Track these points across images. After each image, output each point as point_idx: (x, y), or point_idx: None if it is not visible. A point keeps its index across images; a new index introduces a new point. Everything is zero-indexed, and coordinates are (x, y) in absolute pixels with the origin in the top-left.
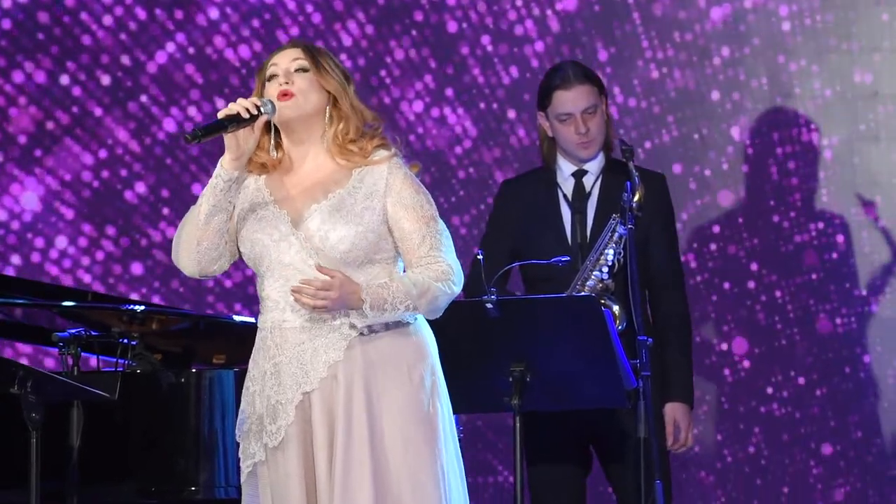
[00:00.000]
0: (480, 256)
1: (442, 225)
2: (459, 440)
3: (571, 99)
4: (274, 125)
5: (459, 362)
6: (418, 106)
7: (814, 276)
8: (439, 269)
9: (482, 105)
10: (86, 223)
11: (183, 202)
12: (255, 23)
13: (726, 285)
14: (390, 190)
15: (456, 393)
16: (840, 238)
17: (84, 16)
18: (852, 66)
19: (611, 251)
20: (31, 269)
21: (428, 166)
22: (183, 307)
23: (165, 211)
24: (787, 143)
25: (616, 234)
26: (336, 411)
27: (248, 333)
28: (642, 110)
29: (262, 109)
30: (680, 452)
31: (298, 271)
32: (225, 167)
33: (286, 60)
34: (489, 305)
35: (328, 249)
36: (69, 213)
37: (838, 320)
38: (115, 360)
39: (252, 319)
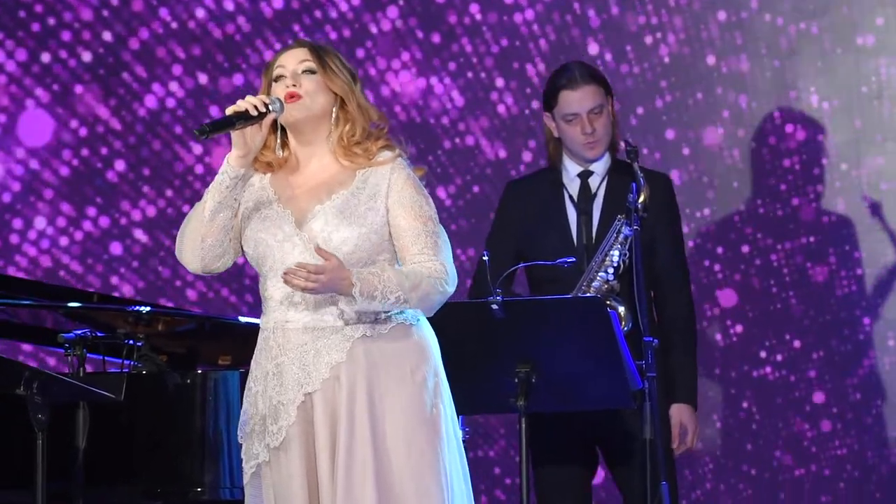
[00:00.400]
0: (486, 257)
1: (441, 229)
2: (465, 441)
3: (578, 99)
4: (280, 125)
5: (465, 363)
6: (405, 76)
7: (812, 239)
8: (432, 266)
9: (469, 74)
10: (65, 203)
11: (164, 180)
12: None
13: (720, 250)
14: (391, 189)
15: (461, 394)
16: (839, 201)
17: None
18: (854, 27)
19: (616, 252)
20: (10, 250)
21: (413, 137)
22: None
23: (146, 189)
24: (786, 107)
25: (621, 235)
26: (338, 412)
27: (253, 334)
28: (635, 76)
29: (270, 107)
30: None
31: None
32: (231, 164)
33: (293, 62)
34: (495, 306)
35: (331, 250)
36: (48, 193)
37: (837, 282)
38: (120, 361)
39: (258, 321)
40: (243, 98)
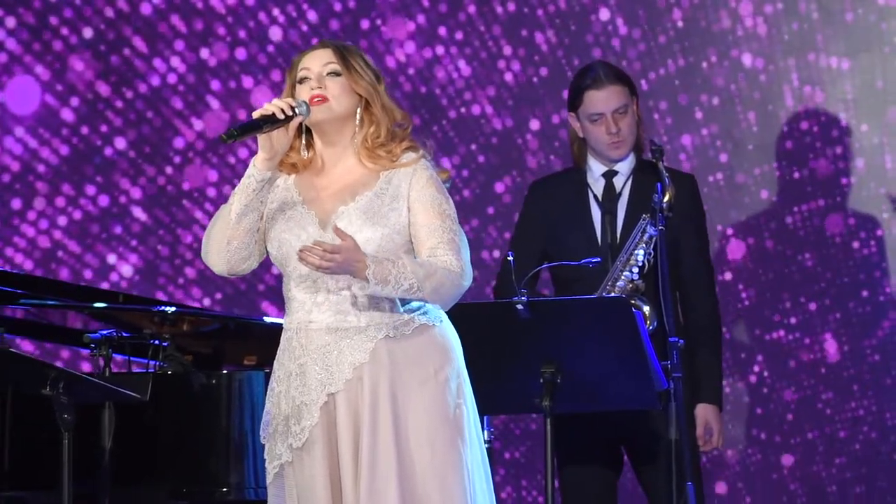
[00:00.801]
0: (510, 257)
1: (459, 229)
2: (490, 443)
3: (603, 99)
4: (305, 126)
5: (489, 364)
6: (410, 47)
7: (829, 201)
8: (447, 259)
9: (476, 43)
10: (64, 182)
11: (165, 158)
12: None
13: (732, 213)
14: (413, 189)
15: (486, 394)
16: (860, 161)
17: None
18: None
19: (641, 252)
20: (9, 230)
21: (418, 107)
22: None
23: (146, 167)
24: (804, 69)
25: (646, 235)
26: (361, 413)
27: (279, 334)
28: (647, 40)
29: (296, 111)
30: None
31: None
32: (258, 167)
33: (318, 64)
34: (520, 307)
35: None
36: (47, 172)
37: (855, 244)
38: (146, 361)
39: (282, 321)
40: (268, 100)
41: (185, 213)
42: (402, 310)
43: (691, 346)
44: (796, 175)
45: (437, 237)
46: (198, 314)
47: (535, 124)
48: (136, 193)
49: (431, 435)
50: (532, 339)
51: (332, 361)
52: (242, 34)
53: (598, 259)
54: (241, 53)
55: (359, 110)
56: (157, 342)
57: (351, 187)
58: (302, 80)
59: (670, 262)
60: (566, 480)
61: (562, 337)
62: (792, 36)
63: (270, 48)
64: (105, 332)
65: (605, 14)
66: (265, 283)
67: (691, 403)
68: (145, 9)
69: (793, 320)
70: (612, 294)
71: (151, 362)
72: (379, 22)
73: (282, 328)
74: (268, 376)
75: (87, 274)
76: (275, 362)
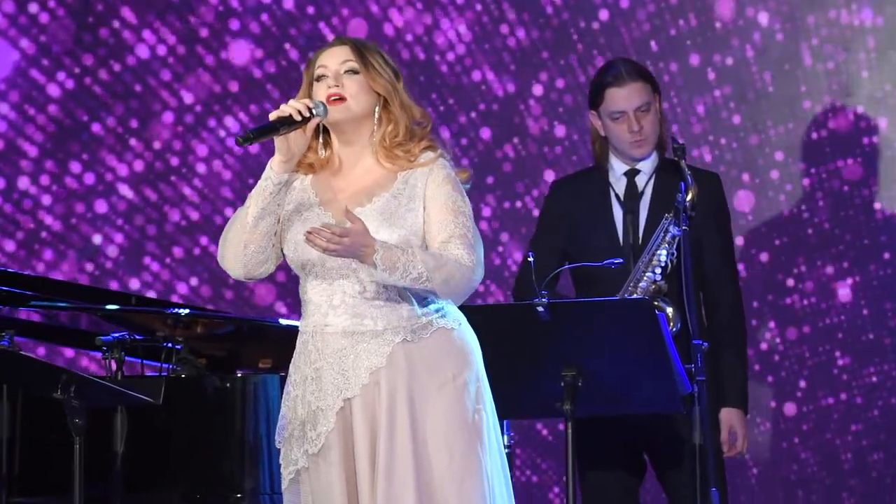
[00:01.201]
0: (531, 258)
1: (474, 226)
2: (509, 448)
3: (625, 96)
4: (323, 125)
5: (509, 367)
6: (409, 13)
7: (849, 161)
8: (458, 253)
9: (478, 7)
10: (49, 159)
11: (153, 133)
12: None
13: (745, 177)
14: (428, 187)
15: (506, 398)
16: (882, 121)
17: None
18: None
19: (663, 252)
20: None
21: (416, 75)
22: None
23: (133, 142)
24: (823, 27)
25: (668, 235)
26: (378, 418)
27: (294, 337)
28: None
29: (313, 111)
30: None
31: (341, 275)
32: (275, 170)
33: (335, 62)
34: (540, 309)
35: None
36: (32, 150)
37: (877, 205)
38: (159, 364)
39: (298, 323)
40: (285, 101)
41: (174, 190)
42: (419, 313)
43: (715, 348)
44: (814, 136)
45: (448, 231)
46: (212, 316)
47: (538, 89)
48: (123, 170)
49: (450, 440)
50: (553, 342)
51: (348, 366)
52: (234, 3)
53: (621, 260)
54: (234, 24)
55: (377, 109)
56: (170, 345)
57: (368, 189)
58: (319, 78)
59: (693, 262)
60: (588, 485)
61: (583, 339)
62: None
63: (264, 17)
64: (117, 334)
65: None
66: None
67: (715, 407)
68: None
69: (808, 285)
70: (635, 295)
71: (164, 365)
72: None
73: (297, 330)
74: (283, 380)
75: (71, 255)
76: (291, 365)
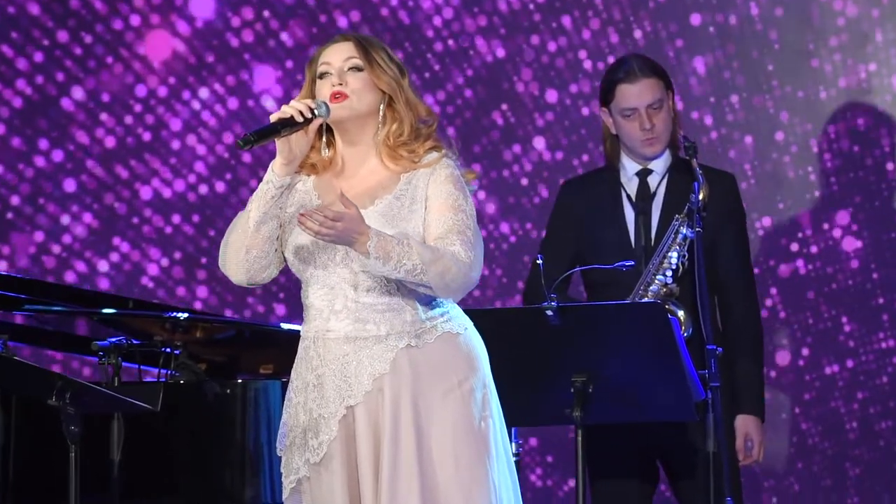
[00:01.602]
0: (540, 261)
1: (475, 225)
2: (517, 456)
3: (636, 93)
4: (326, 124)
5: (518, 372)
6: None
7: (861, 121)
8: (456, 248)
9: None
10: (16, 136)
11: (125, 107)
12: None
13: (748, 139)
14: (430, 186)
15: (515, 405)
16: (895, 80)
17: None
18: None
19: (674, 254)
20: None
21: (401, 41)
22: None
23: (104, 117)
24: None
25: (679, 236)
26: (382, 426)
27: (296, 342)
28: None
29: (315, 112)
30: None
31: (343, 279)
32: (277, 173)
33: (339, 58)
34: (549, 313)
35: None
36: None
37: (889, 165)
38: (157, 370)
39: (300, 328)
40: (286, 102)
41: (146, 166)
42: (424, 317)
43: (730, 353)
44: (822, 95)
45: (447, 226)
46: (212, 320)
47: (529, 54)
48: (94, 147)
49: (456, 449)
50: (562, 347)
51: (350, 372)
52: None
53: (632, 262)
54: None
55: (381, 107)
56: (168, 350)
57: (371, 191)
58: (322, 76)
59: (707, 265)
60: (599, 494)
61: (594, 344)
62: None
63: None
64: (114, 339)
65: None
66: None
67: (730, 414)
68: None
69: (813, 249)
70: (646, 299)
71: (163, 371)
72: None
73: (299, 335)
74: (285, 386)
75: (39, 236)
76: (292, 372)
